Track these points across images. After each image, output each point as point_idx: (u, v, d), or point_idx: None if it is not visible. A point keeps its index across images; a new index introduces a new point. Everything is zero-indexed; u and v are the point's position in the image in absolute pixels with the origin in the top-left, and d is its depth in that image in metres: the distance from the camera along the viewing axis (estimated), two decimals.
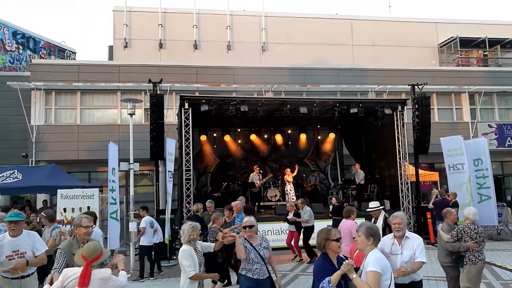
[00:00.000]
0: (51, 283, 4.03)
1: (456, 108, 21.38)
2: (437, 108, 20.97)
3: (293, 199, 14.84)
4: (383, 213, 7.16)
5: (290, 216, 10.95)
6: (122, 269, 4.12)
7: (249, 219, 5.36)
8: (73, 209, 10.58)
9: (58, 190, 11.14)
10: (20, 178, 13.02)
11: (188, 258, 4.77)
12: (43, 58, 23.84)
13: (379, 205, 7.38)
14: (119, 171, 11.21)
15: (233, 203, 9.18)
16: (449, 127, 19.28)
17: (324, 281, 3.53)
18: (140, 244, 9.77)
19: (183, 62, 19.33)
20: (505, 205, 15.06)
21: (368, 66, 20.79)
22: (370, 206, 7.36)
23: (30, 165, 16.95)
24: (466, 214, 6.17)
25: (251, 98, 15.34)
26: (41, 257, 5.01)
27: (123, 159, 11.73)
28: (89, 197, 10.66)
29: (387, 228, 6.74)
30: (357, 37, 22.96)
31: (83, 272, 3.65)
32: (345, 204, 13.23)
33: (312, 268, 3.91)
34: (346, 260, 3.63)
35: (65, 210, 10.71)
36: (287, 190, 15.24)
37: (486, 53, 24.02)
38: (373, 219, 7.29)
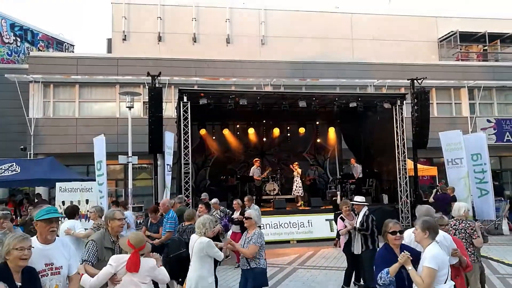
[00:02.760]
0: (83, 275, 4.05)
1: (455, 103, 21.38)
2: (436, 103, 20.95)
3: (298, 192, 14.85)
4: (365, 208, 7.17)
5: (237, 215, 9.41)
6: (160, 266, 4.24)
7: (247, 211, 5.81)
8: (71, 202, 10.53)
9: (56, 183, 11.16)
10: (19, 171, 12.99)
11: (214, 245, 5.08)
12: (41, 50, 23.72)
13: (364, 201, 7.35)
14: (117, 164, 11.29)
15: (161, 202, 8.34)
16: (448, 122, 19.29)
17: (382, 272, 3.65)
18: None
19: (182, 56, 19.20)
20: (502, 199, 15.08)
21: (367, 61, 20.73)
22: (355, 199, 7.35)
23: (28, 158, 16.93)
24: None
25: (250, 91, 15.29)
26: (76, 280, 3.63)
27: (121, 152, 11.74)
28: (88, 190, 10.70)
29: (365, 224, 6.87)
30: (357, 31, 22.83)
31: (133, 259, 3.84)
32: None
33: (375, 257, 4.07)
34: (403, 252, 3.72)
35: (63, 203, 10.73)
36: (295, 182, 15.09)
37: (486, 47, 23.95)
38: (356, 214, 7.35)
